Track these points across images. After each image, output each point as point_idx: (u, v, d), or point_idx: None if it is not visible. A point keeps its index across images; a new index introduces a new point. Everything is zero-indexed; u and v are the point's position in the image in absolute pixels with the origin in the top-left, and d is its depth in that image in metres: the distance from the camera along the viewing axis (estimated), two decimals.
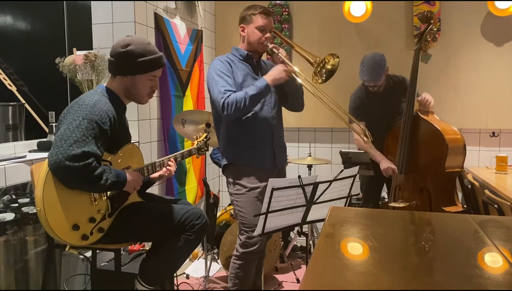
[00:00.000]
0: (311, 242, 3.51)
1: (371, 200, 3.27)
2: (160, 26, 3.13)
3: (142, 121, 2.98)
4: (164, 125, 3.23)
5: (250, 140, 2.46)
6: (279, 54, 2.42)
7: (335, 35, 3.91)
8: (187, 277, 3.32)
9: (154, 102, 3.13)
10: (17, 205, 2.32)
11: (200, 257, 3.68)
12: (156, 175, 2.16)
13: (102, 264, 2.48)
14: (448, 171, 2.77)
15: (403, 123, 2.87)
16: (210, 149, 3.24)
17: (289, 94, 2.57)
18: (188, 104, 3.55)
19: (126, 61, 1.92)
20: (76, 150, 1.67)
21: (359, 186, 3.36)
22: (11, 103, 3.25)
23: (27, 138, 3.20)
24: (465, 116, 3.71)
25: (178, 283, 2.98)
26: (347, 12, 3.71)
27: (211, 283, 3.22)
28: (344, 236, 1.36)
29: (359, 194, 3.51)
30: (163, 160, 2.14)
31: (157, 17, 3.11)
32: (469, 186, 2.88)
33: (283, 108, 2.65)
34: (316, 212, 2.05)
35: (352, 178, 2.11)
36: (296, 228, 3.62)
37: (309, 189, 1.94)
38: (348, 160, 3.01)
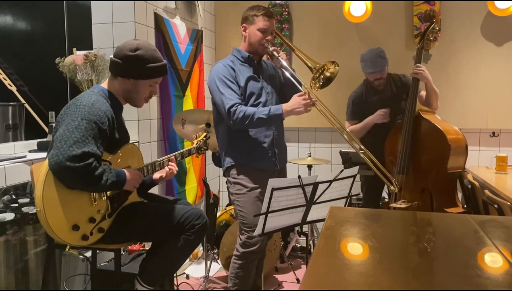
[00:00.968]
0: (311, 242, 3.51)
1: (372, 200, 3.26)
2: (160, 26, 3.13)
3: (142, 121, 2.98)
4: (164, 125, 3.23)
5: (251, 141, 2.46)
6: (279, 57, 2.42)
7: (335, 35, 3.91)
8: (187, 277, 3.32)
9: (154, 102, 3.13)
10: (17, 205, 2.31)
11: (200, 257, 3.68)
12: (157, 175, 2.16)
13: (102, 264, 2.48)
14: (450, 171, 2.77)
15: (404, 123, 2.86)
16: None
17: (289, 97, 2.57)
18: (188, 104, 3.55)
19: (133, 65, 1.92)
20: (76, 150, 1.68)
21: (359, 186, 3.36)
22: (11, 103, 3.24)
23: (27, 138, 3.20)
24: (465, 116, 3.71)
25: (178, 283, 2.98)
26: (347, 12, 3.71)
27: (211, 283, 3.22)
28: (344, 236, 1.36)
29: (359, 194, 3.51)
30: (162, 160, 2.14)
31: (157, 17, 3.11)
32: (469, 186, 2.88)
33: None
34: (316, 212, 2.05)
35: (352, 178, 2.11)
36: (296, 228, 3.62)
37: (309, 189, 1.93)
38: (348, 160, 3.01)
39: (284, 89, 2.58)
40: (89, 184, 1.74)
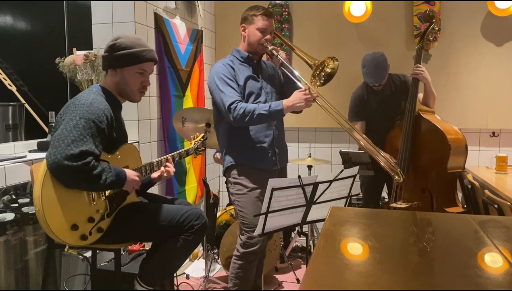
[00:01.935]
0: (311, 242, 3.51)
1: (372, 200, 3.26)
2: (160, 26, 3.13)
3: (142, 121, 2.98)
4: (164, 125, 3.23)
5: (251, 141, 2.46)
6: (278, 56, 2.43)
7: (335, 35, 3.91)
8: (187, 277, 3.32)
9: (154, 102, 3.13)
10: (17, 205, 2.32)
11: (200, 257, 3.68)
12: (155, 175, 2.16)
13: (102, 264, 2.48)
14: (450, 171, 2.77)
15: (405, 123, 2.86)
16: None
17: (289, 96, 2.57)
18: (188, 104, 3.55)
19: (116, 54, 1.95)
20: (74, 149, 1.68)
21: (359, 186, 3.36)
22: (11, 103, 3.24)
23: (27, 138, 3.20)
24: (465, 116, 3.71)
25: (178, 283, 2.98)
26: (347, 12, 3.71)
27: (211, 283, 3.21)
28: (344, 236, 1.36)
29: (359, 194, 3.51)
30: (160, 160, 2.15)
31: (157, 17, 3.11)
32: (469, 186, 2.88)
33: None
34: (316, 212, 2.05)
35: (352, 178, 2.11)
36: (296, 228, 3.61)
37: (309, 189, 1.93)
38: (348, 160, 3.01)
39: (285, 89, 2.59)
40: (88, 183, 1.74)
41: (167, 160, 2.17)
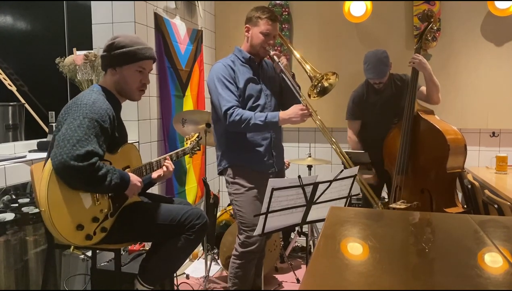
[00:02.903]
0: (311, 242, 3.51)
1: (371, 200, 3.26)
2: (160, 26, 3.13)
3: (142, 121, 2.98)
4: (164, 125, 3.23)
5: (249, 143, 2.46)
6: (279, 63, 2.42)
7: (335, 35, 3.91)
8: (187, 277, 3.32)
9: (154, 102, 3.13)
10: (17, 205, 2.31)
11: (200, 257, 3.68)
12: (154, 175, 2.17)
13: (102, 264, 2.48)
14: (449, 171, 2.77)
15: (403, 124, 2.87)
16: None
17: (287, 101, 2.59)
18: (188, 104, 3.56)
19: (115, 53, 1.95)
20: (80, 149, 1.68)
21: (359, 186, 3.36)
22: (11, 103, 3.24)
23: (27, 138, 3.20)
24: (465, 116, 3.71)
25: (178, 283, 2.98)
26: (347, 12, 3.71)
27: (211, 283, 3.22)
28: (344, 236, 1.36)
29: (359, 194, 3.50)
30: (159, 159, 2.15)
31: (157, 17, 3.11)
32: (469, 186, 2.88)
33: None
34: (316, 212, 2.05)
35: (352, 178, 2.11)
36: (296, 228, 3.61)
37: (309, 189, 1.93)
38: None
39: (284, 93, 2.60)
40: (93, 184, 1.74)
41: (165, 159, 2.18)
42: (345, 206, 2.13)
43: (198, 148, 2.48)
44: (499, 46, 3.62)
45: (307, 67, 2.45)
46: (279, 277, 3.39)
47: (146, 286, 2.02)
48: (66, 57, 2.64)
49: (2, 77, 3.03)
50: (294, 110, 2.34)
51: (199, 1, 3.73)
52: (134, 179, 1.91)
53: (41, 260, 2.39)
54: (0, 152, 2.37)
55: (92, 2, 2.92)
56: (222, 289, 3.15)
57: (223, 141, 2.51)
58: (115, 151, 1.96)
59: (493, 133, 3.73)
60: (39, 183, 1.73)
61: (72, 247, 2.28)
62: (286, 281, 3.31)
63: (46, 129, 2.81)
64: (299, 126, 4.05)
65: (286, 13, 3.95)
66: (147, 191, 2.26)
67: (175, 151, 2.30)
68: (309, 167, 3.56)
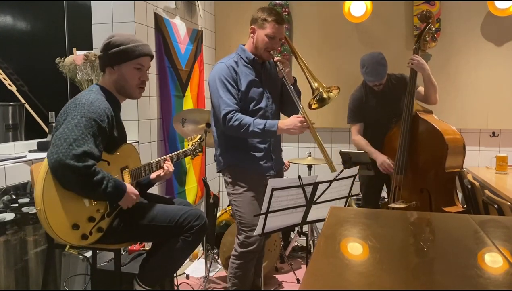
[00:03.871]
0: (311, 242, 3.51)
1: (371, 200, 3.27)
2: (160, 26, 3.13)
3: (142, 121, 2.98)
4: (164, 125, 3.23)
5: (248, 145, 2.46)
6: (282, 70, 2.41)
7: (335, 35, 3.91)
8: (187, 277, 3.32)
9: (154, 102, 3.13)
10: (17, 205, 2.31)
11: (200, 257, 3.68)
12: (153, 175, 2.17)
13: (102, 264, 2.48)
14: (448, 171, 2.77)
15: (402, 124, 2.87)
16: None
17: (286, 107, 2.60)
18: (188, 104, 3.55)
19: (112, 51, 1.95)
20: (76, 149, 1.68)
21: (359, 186, 3.36)
22: (11, 103, 3.25)
23: (27, 138, 3.20)
24: (465, 116, 3.71)
25: (178, 283, 2.98)
26: (347, 12, 3.71)
27: (211, 283, 3.22)
28: (344, 236, 1.36)
29: (359, 194, 3.50)
30: (159, 160, 2.15)
31: (157, 17, 3.11)
32: (469, 186, 2.88)
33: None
34: (316, 212, 2.04)
35: (352, 178, 2.11)
36: (296, 228, 3.61)
37: (309, 189, 1.93)
38: (348, 160, 3.00)
39: (283, 98, 2.60)
40: (87, 189, 1.74)
41: (165, 160, 2.17)
42: (345, 206, 2.13)
43: (200, 149, 2.47)
44: (499, 46, 3.62)
45: (315, 85, 2.43)
46: (279, 277, 3.39)
47: (146, 287, 2.01)
48: (66, 57, 2.64)
49: (2, 77, 3.03)
50: (293, 121, 2.34)
51: (199, 1, 3.73)
52: (131, 191, 1.90)
53: (41, 260, 2.39)
54: (0, 152, 2.37)
55: (92, 2, 2.92)
56: (222, 289, 3.15)
57: (222, 142, 2.51)
58: (114, 150, 1.95)
59: (493, 133, 3.73)
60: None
61: (68, 246, 2.28)
62: (286, 281, 3.31)
63: (46, 129, 2.81)
64: None
65: (286, 13, 3.95)
66: (147, 191, 2.26)
67: (176, 152, 2.30)
68: (309, 166, 3.56)
